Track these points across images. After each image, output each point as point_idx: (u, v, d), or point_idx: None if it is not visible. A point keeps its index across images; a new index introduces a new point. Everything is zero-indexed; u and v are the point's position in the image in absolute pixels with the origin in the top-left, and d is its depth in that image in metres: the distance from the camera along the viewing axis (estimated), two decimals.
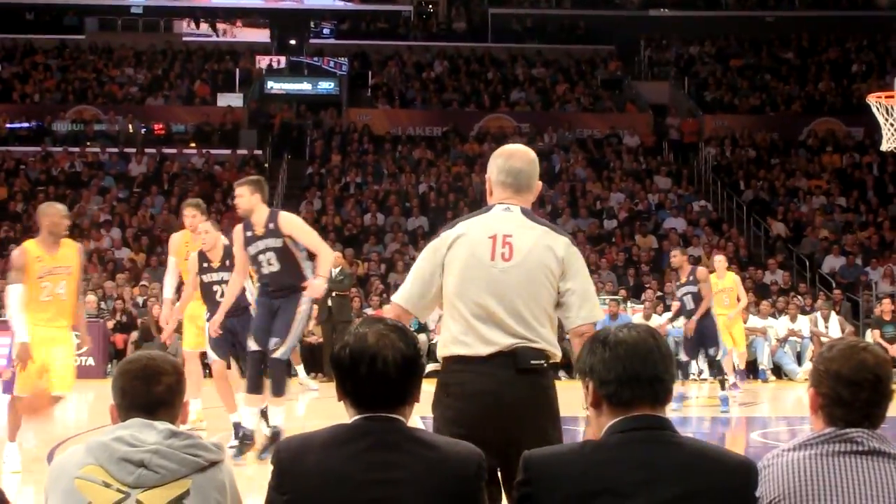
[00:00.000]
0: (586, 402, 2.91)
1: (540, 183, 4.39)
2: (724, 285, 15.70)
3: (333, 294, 17.72)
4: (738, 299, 15.98)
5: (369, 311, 18.10)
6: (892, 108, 12.51)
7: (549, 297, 4.10)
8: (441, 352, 4.16)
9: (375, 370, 2.87)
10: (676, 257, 14.25)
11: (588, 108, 30.11)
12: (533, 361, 4.03)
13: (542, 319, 4.08)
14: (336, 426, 2.95)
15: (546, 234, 4.14)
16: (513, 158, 4.30)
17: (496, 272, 4.06)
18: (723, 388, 13.83)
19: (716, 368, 14.05)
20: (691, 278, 13.83)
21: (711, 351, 13.78)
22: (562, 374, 16.08)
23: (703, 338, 13.73)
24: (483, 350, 4.02)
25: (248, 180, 8.93)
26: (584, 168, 26.65)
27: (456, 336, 4.08)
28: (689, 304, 13.80)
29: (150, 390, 3.11)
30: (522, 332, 4.03)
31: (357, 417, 2.91)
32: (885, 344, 17.61)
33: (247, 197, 8.67)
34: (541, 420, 4.03)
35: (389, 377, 2.87)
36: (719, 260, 16.29)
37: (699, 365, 15.63)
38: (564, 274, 4.10)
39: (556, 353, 4.14)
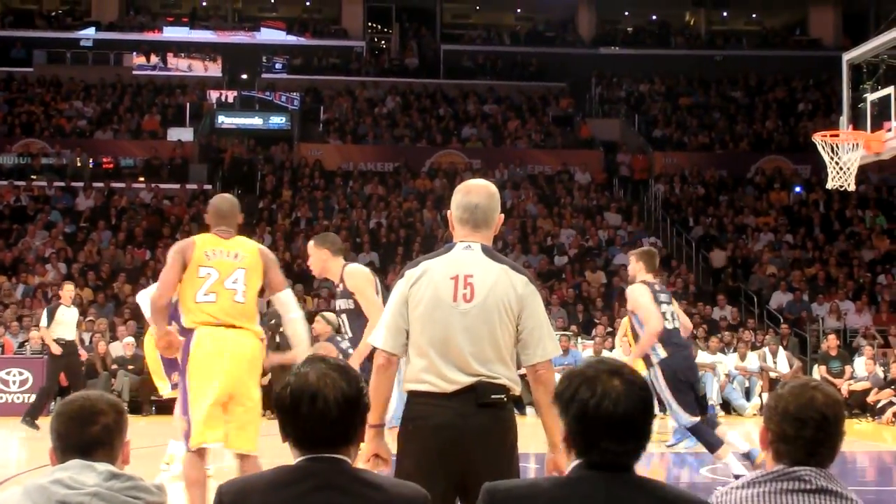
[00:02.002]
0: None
1: (501, 216, 4.48)
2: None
3: (282, 330, 17.57)
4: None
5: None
6: (837, 146, 12.66)
7: (509, 336, 4.23)
8: (406, 387, 4.26)
9: (316, 410, 2.82)
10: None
11: (539, 145, 30.27)
12: (493, 396, 4.15)
13: (503, 357, 4.21)
14: (279, 468, 2.91)
15: (506, 273, 4.25)
16: (470, 194, 4.39)
17: (458, 313, 4.19)
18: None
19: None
20: None
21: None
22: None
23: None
24: (446, 387, 4.15)
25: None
26: (535, 204, 26.76)
27: (420, 373, 4.20)
28: None
29: (85, 431, 3.05)
30: (482, 371, 4.16)
31: (301, 459, 2.87)
32: (831, 379, 17.78)
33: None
34: (498, 452, 4.14)
35: (330, 417, 2.83)
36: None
37: None
38: (522, 312, 4.23)
39: (516, 388, 4.26)
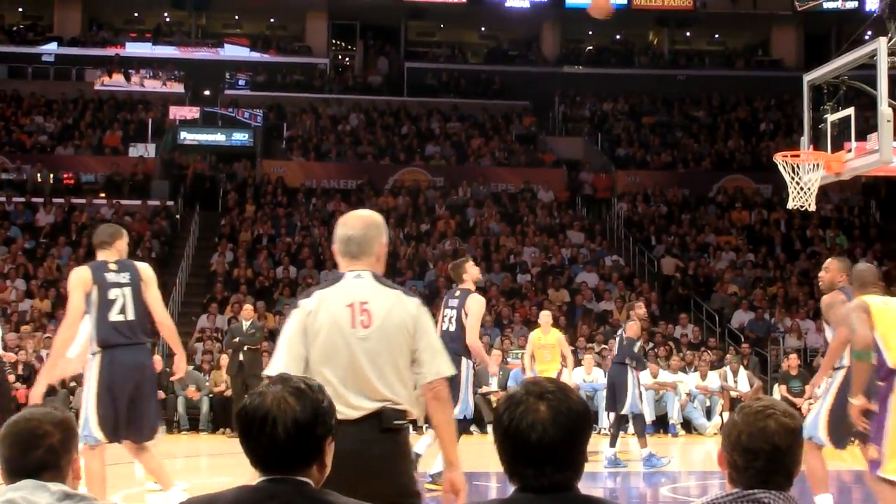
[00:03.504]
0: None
1: (384, 243, 4.60)
2: (546, 341, 15.04)
3: (245, 348, 17.58)
4: (563, 357, 15.06)
5: None
6: (798, 166, 12.75)
7: (408, 358, 4.37)
8: None
9: (265, 434, 2.81)
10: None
11: (502, 163, 30.34)
12: (396, 422, 4.29)
13: (404, 380, 4.35)
14: (240, 488, 2.90)
15: (399, 297, 4.41)
16: (345, 227, 4.53)
17: (357, 340, 4.30)
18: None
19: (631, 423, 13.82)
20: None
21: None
22: (473, 428, 16.07)
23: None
24: (352, 414, 4.23)
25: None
26: (497, 222, 26.80)
27: None
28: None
29: (28, 455, 3.01)
30: (387, 395, 4.28)
31: (261, 479, 2.86)
32: (791, 398, 17.86)
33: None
34: (402, 473, 4.29)
35: (279, 441, 2.81)
36: (544, 315, 15.68)
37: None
38: (416, 332, 4.37)
39: (415, 412, 4.39)
